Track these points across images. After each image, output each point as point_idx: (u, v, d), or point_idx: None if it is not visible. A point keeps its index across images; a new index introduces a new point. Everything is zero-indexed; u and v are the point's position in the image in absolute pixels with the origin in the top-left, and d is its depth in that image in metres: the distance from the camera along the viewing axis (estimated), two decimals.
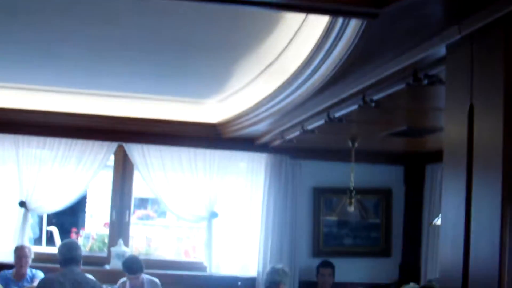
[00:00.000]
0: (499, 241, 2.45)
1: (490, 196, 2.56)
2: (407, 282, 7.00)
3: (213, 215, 8.48)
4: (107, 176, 9.50)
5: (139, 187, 9.49)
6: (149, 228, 13.96)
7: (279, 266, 7.49)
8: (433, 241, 8.08)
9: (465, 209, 2.72)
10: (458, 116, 2.84)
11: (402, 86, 3.84)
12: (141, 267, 7.41)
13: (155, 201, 14.19)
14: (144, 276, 7.51)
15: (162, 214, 14.71)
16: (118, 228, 8.57)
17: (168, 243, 12.00)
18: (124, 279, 7.52)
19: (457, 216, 2.78)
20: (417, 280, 7.76)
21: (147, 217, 14.78)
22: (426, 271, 8.19)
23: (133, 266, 7.40)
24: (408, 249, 8.80)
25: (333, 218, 8.25)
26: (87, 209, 14.82)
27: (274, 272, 7.35)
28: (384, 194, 8.89)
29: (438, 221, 6.54)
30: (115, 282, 7.63)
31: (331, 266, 8.37)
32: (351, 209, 6.88)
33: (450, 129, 2.99)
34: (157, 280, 7.60)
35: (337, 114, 5.20)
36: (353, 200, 6.88)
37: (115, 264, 8.20)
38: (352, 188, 6.90)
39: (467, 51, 2.80)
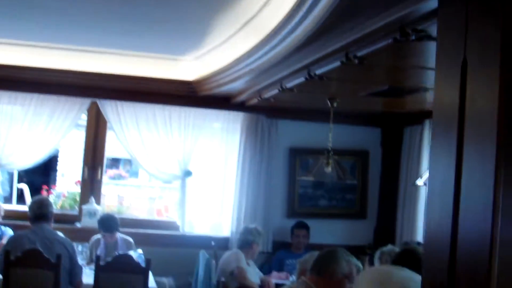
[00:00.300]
0: (492, 201, 2.35)
1: (482, 156, 2.45)
2: (382, 245, 6.95)
3: (187, 173, 8.38)
4: (79, 135, 9.38)
5: (111, 147, 9.38)
6: (121, 188, 13.88)
7: (253, 226, 7.48)
8: (409, 204, 8.06)
9: (455, 169, 2.62)
10: (449, 74, 2.71)
11: (388, 41, 3.72)
12: (117, 226, 7.41)
13: (127, 161, 14.13)
14: (119, 235, 7.46)
15: (134, 174, 14.66)
16: (90, 186, 8.44)
17: (140, 203, 11.93)
18: (98, 236, 7.46)
19: (447, 176, 2.68)
20: (392, 243, 7.73)
21: (119, 177, 14.70)
22: (401, 234, 8.17)
23: (109, 224, 7.39)
24: (383, 211, 8.78)
25: (309, 178, 8.19)
26: (58, 167, 14.73)
27: (247, 231, 7.35)
28: (360, 156, 8.85)
29: (419, 182, 6.51)
30: (86, 240, 7.57)
31: (306, 227, 8.33)
32: (329, 169, 6.82)
33: (440, 86, 2.86)
34: (130, 239, 7.56)
35: (318, 71, 5.08)
36: (330, 161, 6.81)
37: (86, 222, 8.12)
38: (330, 148, 6.82)
39: (461, 2, 2.67)
